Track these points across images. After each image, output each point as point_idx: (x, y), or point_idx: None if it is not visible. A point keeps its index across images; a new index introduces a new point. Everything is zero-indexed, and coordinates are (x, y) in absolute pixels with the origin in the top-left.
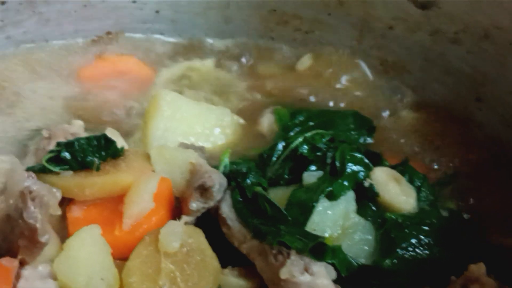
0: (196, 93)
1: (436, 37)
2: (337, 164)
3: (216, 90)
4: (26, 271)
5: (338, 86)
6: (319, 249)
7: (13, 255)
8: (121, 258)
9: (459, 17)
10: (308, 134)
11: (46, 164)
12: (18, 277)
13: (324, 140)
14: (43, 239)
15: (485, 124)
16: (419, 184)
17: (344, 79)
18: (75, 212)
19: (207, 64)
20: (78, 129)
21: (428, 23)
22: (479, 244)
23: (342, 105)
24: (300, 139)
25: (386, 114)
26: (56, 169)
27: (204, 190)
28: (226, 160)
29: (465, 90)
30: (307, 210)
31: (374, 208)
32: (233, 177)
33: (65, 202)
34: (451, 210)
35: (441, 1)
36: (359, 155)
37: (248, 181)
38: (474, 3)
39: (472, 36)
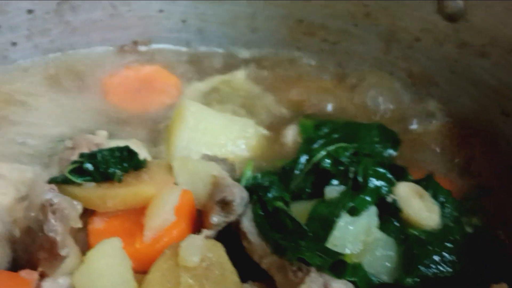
0: (223, 107)
1: (463, 50)
2: (360, 178)
3: (244, 103)
4: (46, 284)
5: (363, 98)
6: (339, 267)
7: (33, 267)
8: (141, 270)
9: (486, 30)
10: (331, 148)
11: (68, 175)
12: None
13: (347, 153)
14: (63, 252)
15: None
16: (443, 199)
17: (370, 91)
18: (96, 224)
19: (238, 76)
20: (102, 139)
21: (456, 35)
22: (504, 261)
23: (367, 117)
24: (323, 153)
25: (411, 127)
26: (79, 180)
27: (225, 204)
28: (248, 173)
29: (491, 104)
30: (328, 225)
31: (396, 223)
32: (255, 190)
33: (87, 213)
34: (476, 226)
35: (468, 14)
36: (382, 170)
37: (270, 195)
38: (502, 16)
39: (499, 50)
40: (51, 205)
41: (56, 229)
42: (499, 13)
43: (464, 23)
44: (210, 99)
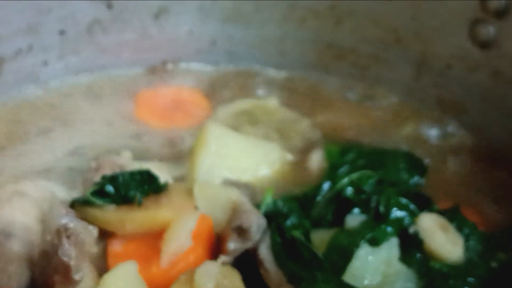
0: (255, 130)
1: (496, 78)
2: (381, 208)
3: (278, 127)
4: None
5: (390, 124)
6: None
7: None
8: None
9: None
10: (354, 176)
11: (90, 197)
12: None
13: (371, 181)
14: (76, 276)
15: None
16: (468, 232)
17: (397, 118)
18: (115, 246)
19: (272, 102)
20: (126, 160)
21: (488, 63)
22: None
23: (395, 144)
24: (346, 180)
25: (441, 156)
26: (100, 202)
27: (241, 231)
28: (268, 198)
29: None
30: (347, 255)
31: (419, 255)
32: (274, 217)
33: (107, 235)
34: (502, 262)
35: (501, 41)
36: (404, 201)
37: (289, 222)
38: None
39: None
40: (66, 229)
41: (70, 253)
42: None
43: (496, 50)
44: (241, 120)
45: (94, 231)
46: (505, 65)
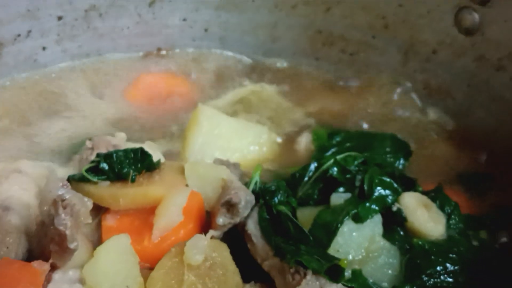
0: (249, 116)
1: (480, 63)
2: (365, 187)
3: (271, 115)
4: (57, 275)
5: (379, 108)
6: (335, 271)
7: (46, 259)
8: (148, 267)
9: (503, 44)
10: (340, 156)
11: (85, 174)
12: (49, 279)
13: (356, 162)
14: (71, 245)
15: None
16: (450, 211)
17: (386, 103)
18: (109, 221)
19: (268, 88)
20: (120, 141)
21: (473, 48)
22: (509, 277)
23: (382, 128)
24: (332, 161)
25: (426, 139)
26: (94, 179)
27: (230, 206)
28: (257, 177)
29: (508, 118)
30: (331, 231)
31: (402, 233)
32: (262, 194)
33: (101, 210)
34: (483, 240)
35: (485, 27)
36: (388, 179)
37: (276, 199)
38: None
39: None
40: (63, 200)
41: (66, 223)
42: None
43: (481, 36)
44: (237, 107)
45: (89, 203)
46: (489, 50)
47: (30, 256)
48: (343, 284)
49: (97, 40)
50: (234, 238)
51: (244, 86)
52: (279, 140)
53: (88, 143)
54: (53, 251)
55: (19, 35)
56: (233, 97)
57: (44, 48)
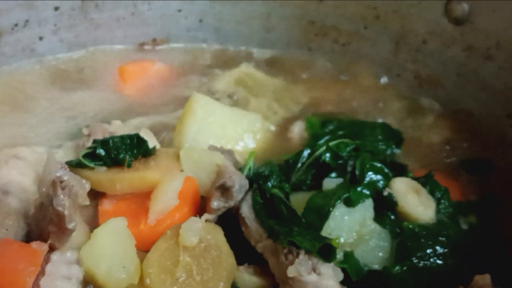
0: (259, 100)
1: (469, 53)
2: (357, 172)
3: (275, 97)
4: (55, 256)
5: (371, 98)
6: (327, 250)
7: (44, 241)
8: (144, 250)
9: (492, 33)
10: (332, 143)
11: (82, 159)
12: (47, 261)
13: (348, 149)
14: (70, 226)
15: None
16: (440, 196)
17: (377, 92)
18: (105, 205)
19: (258, 72)
20: (116, 128)
21: (462, 38)
22: (497, 260)
23: (373, 117)
24: (324, 147)
25: (417, 127)
26: (91, 164)
27: (224, 190)
28: (250, 163)
29: (496, 107)
30: (323, 215)
31: (392, 217)
32: (256, 179)
33: (98, 195)
34: (472, 224)
35: (474, 17)
36: (379, 165)
37: (269, 184)
38: (507, 20)
39: (504, 53)
40: (61, 182)
41: (64, 203)
42: (504, 16)
43: (470, 26)
44: (243, 92)
45: (87, 185)
46: (478, 40)
47: (28, 239)
48: (335, 264)
49: (93, 30)
50: (228, 222)
51: (239, 68)
52: (272, 128)
53: (85, 130)
54: (51, 232)
55: (16, 25)
56: (229, 79)
57: (41, 38)
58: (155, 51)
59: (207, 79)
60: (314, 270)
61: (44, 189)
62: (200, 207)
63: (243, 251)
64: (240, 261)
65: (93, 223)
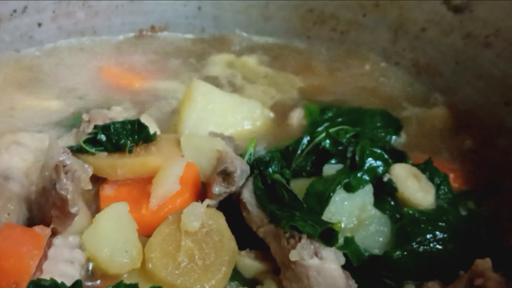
0: (255, 87)
1: (468, 41)
2: (357, 158)
3: (270, 82)
4: (57, 240)
5: (370, 86)
6: (328, 235)
7: (47, 225)
8: (146, 235)
9: (490, 21)
10: (332, 129)
11: (83, 145)
12: (49, 245)
13: (348, 135)
14: (73, 210)
15: None
16: (439, 182)
17: (376, 80)
18: (107, 191)
19: (250, 59)
20: (116, 114)
21: (461, 26)
22: (495, 245)
23: (372, 104)
24: (324, 134)
25: (416, 115)
26: (92, 150)
27: (226, 175)
28: (251, 149)
29: (494, 94)
30: (323, 200)
31: (392, 203)
32: (257, 165)
33: (99, 181)
34: (471, 210)
35: (473, 5)
36: (379, 151)
37: (270, 169)
38: (506, 7)
39: (503, 41)
40: (64, 166)
41: (68, 187)
42: (504, 4)
43: (469, 14)
44: (239, 80)
45: (89, 169)
46: (476, 28)
47: (30, 224)
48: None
49: (92, 17)
50: (229, 208)
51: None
52: (272, 115)
53: (85, 116)
54: (54, 216)
55: (15, 11)
56: (221, 63)
57: (39, 25)
58: (153, 38)
59: (202, 66)
60: (316, 254)
61: (46, 173)
62: (201, 193)
63: (244, 237)
64: (241, 247)
65: (94, 208)
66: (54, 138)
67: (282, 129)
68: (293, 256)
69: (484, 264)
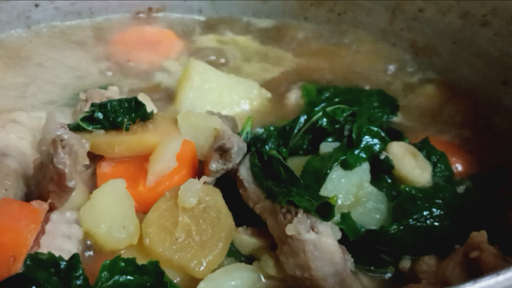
0: (251, 65)
1: (465, 20)
2: (354, 135)
3: (262, 59)
4: (54, 215)
5: (367, 66)
6: (325, 209)
7: (44, 200)
8: (143, 212)
9: (487, 0)
10: (329, 108)
11: (80, 123)
12: (47, 220)
13: (345, 114)
14: (70, 184)
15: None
16: (436, 160)
17: (373, 61)
18: (104, 168)
19: (241, 38)
20: (113, 93)
21: (458, 5)
22: (492, 222)
23: (369, 84)
24: (321, 113)
25: (413, 96)
26: (89, 128)
27: (223, 152)
28: (248, 128)
29: (492, 73)
30: (320, 177)
31: (389, 180)
32: (254, 143)
33: (96, 159)
34: (467, 188)
35: None
36: (376, 129)
37: (267, 147)
38: None
39: (500, 19)
40: (62, 140)
41: (65, 161)
42: None
43: None
44: (235, 59)
45: (87, 144)
46: (474, 7)
47: (28, 200)
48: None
49: None
50: (226, 186)
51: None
52: (269, 95)
53: (82, 95)
54: (51, 191)
55: None
56: (210, 42)
57: (36, 5)
58: (150, 19)
59: (198, 46)
60: (312, 228)
61: (44, 148)
62: (199, 170)
63: (241, 214)
64: (238, 224)
65: (91, 186)
66: (52, 113)
67: (279, 109)
68: (290, 230)
69: (480, 236)
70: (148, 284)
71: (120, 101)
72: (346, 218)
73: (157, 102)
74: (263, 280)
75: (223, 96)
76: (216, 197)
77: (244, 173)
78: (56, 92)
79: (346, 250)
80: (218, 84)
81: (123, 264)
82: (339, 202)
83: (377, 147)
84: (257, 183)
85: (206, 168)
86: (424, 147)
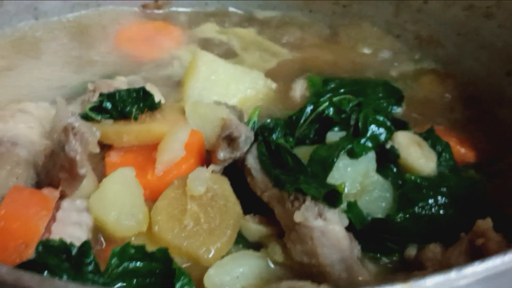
0: (262, 54)
1: (469, 12)
2: (360, 125)
3: (265, 51)
4: (65, 203)
5: (372, 58)
6: (332, 196)
7: (55, 188)
8: (152, 200)
9: None
10: (335, 98)
11: (89, 113)
12: (57, 208)
13: (351, 104)
14: (81, 171)
15: None
16: (441, 150)
17: (378, 52)
18: (112, 157)
19: (248, 32)
20: (120, 84)
21: None
22: (497, 211)
23: (374, 76)
24: (327, 102)
25: (418, 87)
26: (98, 117)
27: (231, 141)
28: (255, 117)
29: (496, 65)
30: (327, 166)
31: (395, 169)
32: (261, 132)
33: (105, 148)
34: (472, 177)
35: None
36: (381, 118)
37: (274, 136)
38: None
39: (504, 11)
40: (73, 128)
41: (76, 149)
42: None
43: None
44: (238, 49)
45: (97, 132)
46: None
47: (38, 188)
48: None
49: None
50: (234, 175)
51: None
52: (274, 86)
53: (90, 86)
54: (62, 179)
55: None
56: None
57: None
58: (157, 12)
59: (204, 37)
60: (320, 215)
61: (55, 136)
62: (206, 160)
63: (249, 203)
64: (245, 212)
65: (101, 175)
66: (63, 101)
67: (285, 100)
68: (298, 217)
69: (485, 224)
70: (157, 271)
71: (128, 91)
72: (352, 206)
73: (164, 92)
74: (271, 266)
75: (229, 87)
76: (224, 186)
77: (252, 162)
78: (64, 82)
79: (353, 237)
80: (225, 75)
81: (132, 250)
82: (346, 191)
83: (383, 137)
84: (264, 172)
85: (214, 157)
86: (429, 137)
